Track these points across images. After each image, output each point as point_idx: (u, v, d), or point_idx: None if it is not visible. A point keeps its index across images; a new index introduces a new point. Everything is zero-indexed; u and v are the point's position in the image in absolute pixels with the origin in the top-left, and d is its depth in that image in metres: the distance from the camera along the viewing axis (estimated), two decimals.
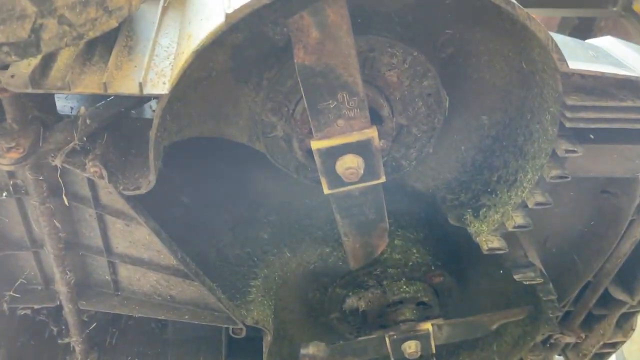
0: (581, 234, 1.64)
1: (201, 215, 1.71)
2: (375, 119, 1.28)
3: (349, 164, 1.19)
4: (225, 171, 1.73)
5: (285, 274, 1.72)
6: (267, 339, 1.59)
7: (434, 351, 1.68)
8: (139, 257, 1.41)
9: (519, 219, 1.36)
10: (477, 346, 1.94)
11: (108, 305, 1.50)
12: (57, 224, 1.30)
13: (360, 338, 1.68)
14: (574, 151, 1.23)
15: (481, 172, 1.50)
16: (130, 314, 1.53)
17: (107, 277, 1.47)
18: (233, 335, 1.58)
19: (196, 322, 1.52)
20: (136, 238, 1.37)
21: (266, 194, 1.79)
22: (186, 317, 1.51)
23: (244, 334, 1.56)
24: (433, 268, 1.72)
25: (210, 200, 1.73)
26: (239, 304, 1.54)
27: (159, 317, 1.51)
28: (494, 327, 1.69)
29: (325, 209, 1.52)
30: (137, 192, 1.19)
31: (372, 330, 1.71)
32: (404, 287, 1.70)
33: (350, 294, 1.72)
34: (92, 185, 1.27)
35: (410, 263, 1.69)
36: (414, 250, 1.72)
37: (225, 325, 1.53)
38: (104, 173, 1.14)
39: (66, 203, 1.25)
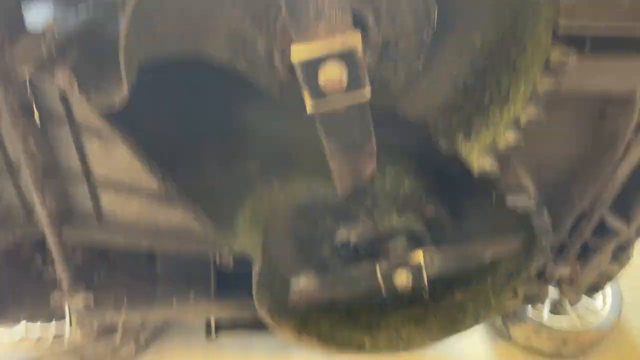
0: (576, 160, 1.60)
1: (187, 148, 1.67)
2: (361, 28, 1.21)
3: (331, 72, 1.13)
4: (213, 103, 1.68)
5: (274, 206, 1.68)
6: (256, 268, 1.57)
7: (426, 283, 1.66)
8: (120, 181, 1.38)
9: (511, 136, 1.31)
10: (471, 282, 1.92)
11: (92, 234, 1.47)
12: (32, 146, 1.26)
13: (350, 268, 1.65)
14: (567, 60, 1.17)
15: (473, 93, 1.44)
16: (115, 244, 1.50)
17: (88, 205, 1.44)
18: (220, 266, 1.55)
19: (182, 251, 1.49)
20: (116, 160, 1.33)
21: (255, 126, 1.75)
22: (172, 245, 1.48)
23: (231, 263, 1.54)
24: (425, 199, 1.69)
25: (197, 132, 1.69)
26: (224, 230, 1.50)
27: (144, 245, 1.48)
28: (488, 256, 1.66)
29: (316, 139, 1.48)
30: (110, 103, 1.14)
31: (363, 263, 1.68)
32: (395, 218, 1.67)
33: (341, 226, 1.69)
34: (65, 102, 1.22)
35: (402, 194, 1.65)
36: (405, 181, 1.69)
37: (212, 252, 1.51)
38: (73, 82, 1.10)
39: (36, 119, 1.21)
